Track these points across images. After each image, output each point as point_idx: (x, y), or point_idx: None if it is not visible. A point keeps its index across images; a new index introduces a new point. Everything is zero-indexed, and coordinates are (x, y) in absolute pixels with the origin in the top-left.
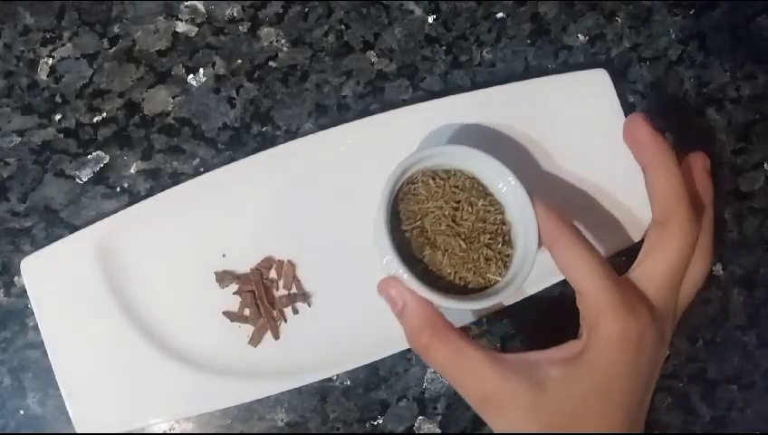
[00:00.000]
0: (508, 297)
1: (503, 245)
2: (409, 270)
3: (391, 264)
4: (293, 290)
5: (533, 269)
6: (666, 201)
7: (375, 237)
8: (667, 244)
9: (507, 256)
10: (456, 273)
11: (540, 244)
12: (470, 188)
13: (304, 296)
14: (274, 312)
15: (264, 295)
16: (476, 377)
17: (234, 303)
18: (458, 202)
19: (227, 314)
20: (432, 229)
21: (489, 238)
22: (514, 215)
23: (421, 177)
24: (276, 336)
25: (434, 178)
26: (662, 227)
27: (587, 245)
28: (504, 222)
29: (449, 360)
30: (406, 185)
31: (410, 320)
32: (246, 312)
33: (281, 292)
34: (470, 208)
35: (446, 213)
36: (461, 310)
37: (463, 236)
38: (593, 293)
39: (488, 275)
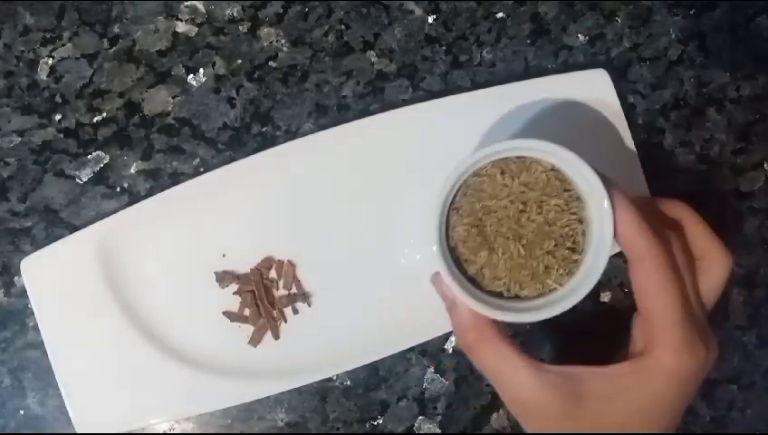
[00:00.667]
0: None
1: (569, 250)
2: (459, 271)
3: (439, 261)
4: (293, 290)
5: None
6: (629, 239)
7: (428, 229)
8: (659, 280)
9: (574, 261)
10: (511, 278)
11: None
12: (544, 184)
13: (304, 296)
14: (274, 312)
15: (264, 295)
16: (515, 383)
17: (234, 303)
18: (525, 202)
19: (227, 314)
20: (492, 230)
21: (553, 245)
22: (593, 215)
23: (490, 169)
24: (276, 336)
25: (503, 173)
26: (641, 262)
27: (674, 270)
28: (580, 220)
29: (491, 363)
30: (471, 177)
31: (458, 317)
32: (246, 312)
33: (281, 292)
34: (538, 209)
35: (511, 214)
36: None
37: (524, 241)
38: (661, 324)
39: (547, 281)
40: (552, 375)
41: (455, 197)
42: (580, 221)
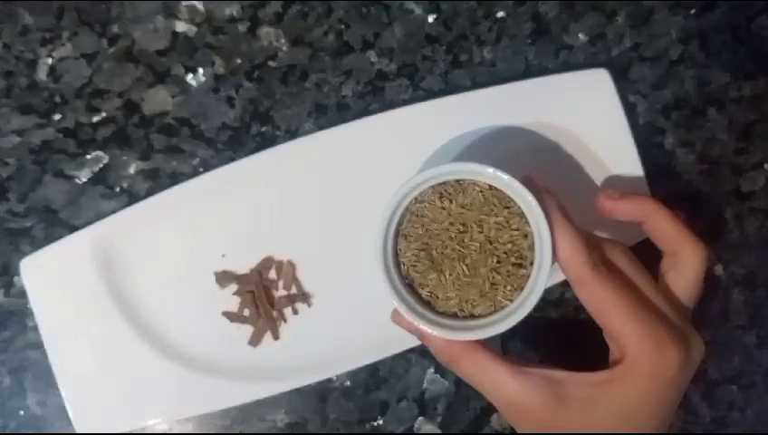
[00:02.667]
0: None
1: (515, 266)
2: (413, 295)
3: (386, 287)
4: (293, 290)
5: None
6: (567, 262)
7: (376, 260)
8: (605, 296)
9: (522, 276)
10: (461, 297)
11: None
12: (481, 204)
13: (304, 297)
14: (274, 312)
15: (264, 296)
16: (499, 388)
17: (234, 303)
18: (465, 223)
19: (227, 314)
20: (438, 253)
21: (497, 262)
22: (534, 230)
23: (429, 195)
24: (276, 336)
25: (441, 197)
26: (582, 284)
27: (618, 283)
28: (525, 235)
29: (473, 373)
30: (413, 204)
31: (432, 342)
32: (246, 312)
33: (280, 292)
34: (479, 229)
35: (453, 235)
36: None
37: (468, 261)
38: (622, 336)
39: (497, 297)
40: (532, 377)
41: (401, 223)
42: (525, 236)
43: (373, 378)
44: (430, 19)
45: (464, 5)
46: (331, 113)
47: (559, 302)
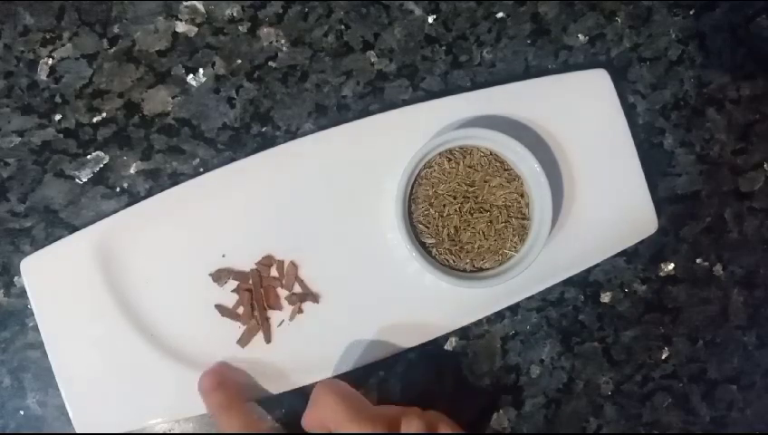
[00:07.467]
0: (521, 271)
1: (518, 219)
2: (426, 253)
3: (409, 248)
4: (297, 290)
5: (533, 269)
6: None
7: (396, 225)
8: None
9: (523, 227)
10: (471, 252)
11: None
12: (486, 165)
13: (314, 296)
14: (274, 313)
15: (263, 297)
16: None
17: (233, 302)
18: (473, 181)
19: (219, 307)
20: (447, 211)
21: (504, 216)
22: (532, 188)
23: (437, 160)
24: (268, 339)
25: (449, 160)
26: None
27: None
28: (522, 194)
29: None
30: (423, 170)
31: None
32: (240, 310)
33: (287, 290)
34: (485, 187)
35: (460, 194)
36: (477, 292)
37: (476, 216)
38: None
39: (503, 250)
40: None
41: (412, 188)
42: (522, 195)
43: (373, 378)
44: (430, 20)
45: (464, 6)
46: (331, 113)
47: (559, 302)
